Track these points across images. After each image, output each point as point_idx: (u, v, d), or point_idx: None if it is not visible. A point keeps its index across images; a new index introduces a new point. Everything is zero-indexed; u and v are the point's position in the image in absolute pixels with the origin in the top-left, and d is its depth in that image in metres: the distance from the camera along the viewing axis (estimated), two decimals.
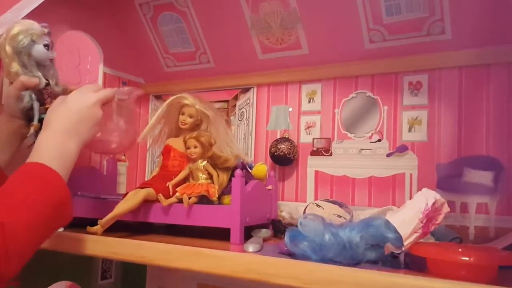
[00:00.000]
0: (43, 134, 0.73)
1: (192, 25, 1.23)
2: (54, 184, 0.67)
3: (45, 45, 0.87)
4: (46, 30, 0.88)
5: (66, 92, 0.91)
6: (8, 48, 0.84)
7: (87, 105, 0.78)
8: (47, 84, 0.89)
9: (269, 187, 1.04)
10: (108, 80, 1.31)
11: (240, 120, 1.27)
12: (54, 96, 0.89)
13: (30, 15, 1.00)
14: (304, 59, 1.14)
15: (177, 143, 1.05)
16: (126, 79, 1.36)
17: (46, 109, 0.85)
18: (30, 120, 0.86)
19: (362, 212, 0.96)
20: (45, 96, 0.88)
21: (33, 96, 0.86)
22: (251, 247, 0.75)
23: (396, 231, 0.63)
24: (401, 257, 0.70)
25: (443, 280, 0.54)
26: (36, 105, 0.86)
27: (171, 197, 0.93)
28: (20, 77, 0.84)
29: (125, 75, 1.36)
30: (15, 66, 0.84)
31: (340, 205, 0.97)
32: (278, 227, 0.98)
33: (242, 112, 1.27)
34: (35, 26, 0.86)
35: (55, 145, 0.71)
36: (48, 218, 0.65)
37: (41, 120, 0.84)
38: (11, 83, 0.86)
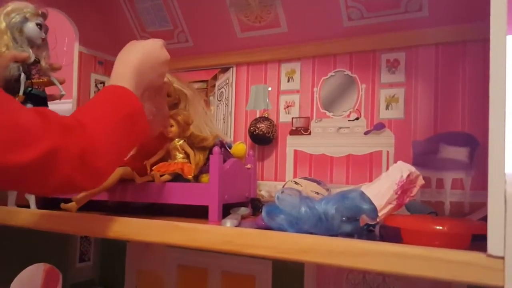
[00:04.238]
0: (118, 68, 0.75)
1: (170, 2, 1.21)
2: (125, 98, 0.70)
3: (37, 24, 0.92)
4: (40, 11, 0.93)
5: (53, 69, 0.97)
6: (1, 23, 0.88)
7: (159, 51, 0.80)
8: (37, 62, 0.93)
9: (248, 166, 1.04)
10: (84, 59, 1.28)
11: (219, 100, 1.26)
12: (43, 74, 0.94)
13: None
14: (283, 37, 1.14)
15: None
16: (103, 59, 1.34)
17: (32, 83, 0.91)
18: (12, 91, 0.88)
19: (339, 190, 0.96)
20: (33, 72, 0.93)
21: (21, 69, 0.89)
22: (228, 222, 0.75)
23: (371, 202, 0.64)
24: (377, 230, 0.71)
25: (417, 247, 0.54)
26: (23, 76, 0.89)
27: None
28: (12, 51, 0.88)
29: (102, 54, 1.33)
30: (6, 39, 0.88)
31: (318, 182, 0.97)
32: (257, 206, 0.98)
33: (221, 92, 1.26)
34: (29, 5, 0.91)
35: (128, 76, 0.73)
36: (123, 127, 0.68)
37: (25, 93, 0.89)
38: None
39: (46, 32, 0.95)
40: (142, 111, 0.72)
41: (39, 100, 0.93)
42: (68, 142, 0.58)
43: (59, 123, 0.59)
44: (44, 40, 0.94)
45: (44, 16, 0.94)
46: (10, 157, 0.53)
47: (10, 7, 0.90)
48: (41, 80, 0.94)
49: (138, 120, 0.71)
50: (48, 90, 0.98)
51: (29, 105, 0.90)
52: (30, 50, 0.91)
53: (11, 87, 0.88)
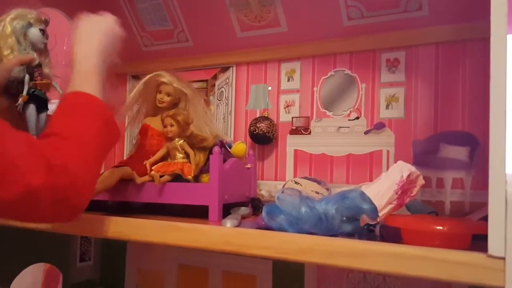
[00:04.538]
0: (82, 47, 0.76)
1: (169, 2, 1.20)
2: (100, 111, 0.71)
3: (40, 30, 0.94)
4: (43, 18, 0.95)
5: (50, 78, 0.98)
6: (5, 28, 0.90)
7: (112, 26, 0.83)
8: (40, 65, 0.95)
9: (248, 165, 1.04)
10: None
11: (219, 100, 1.26)
12: (44, 77, 0.96)
13: None
14: (283, 36, 1.13)
15: (154, 122, 1.04)
16: None
17: (35, 84, 0.93)
18: (15, 93, 0.90)
19: (339, 189, 0.96)
20: (36, 74, 0.94)
21: (26, 70, 0.91)
22: (228, 222, 0.75)
23: (371, 202, 0.64)
24: (377, 230, 0.71)
25: (417, 247, 0.54)
26: (27, 78, 0.91)
27: None
28: (16, 54, 0.90)
29: None
30: (11, 42, 0.90)
31: (318, 182, 0.97)
32: (257, 205, 0.98)
33: (222, 91, 1.25)
34: (33, 12, 0.94)
35: (91, 68, 0.74)
36: (102, 147, 0.70)
37: (28, 94, 0.91)
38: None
39: (47, 38, 0.97)
40: (114, 120, 0.74)
41: (41, 101, 0.95)
42: (51, 181, 0.59)
43: (45, 161, 0.60)
44: (45, 45, 0.97)
45: (46, 23, 0.96)
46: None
47: (14, 13, 0.92)
48: (44, 82, 0.95)
49: (112, 132, 0.73)
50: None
51: (32, 106, 0.92)
52: (34, 53, 0.93)
53: (14, 88, 0.90)
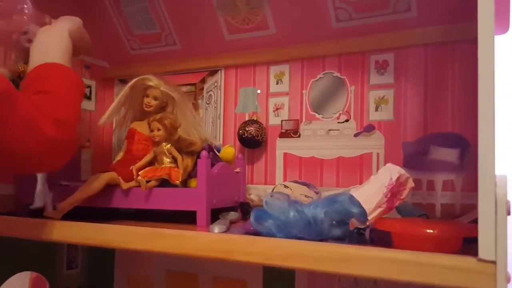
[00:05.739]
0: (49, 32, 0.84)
1: (156, 4, 1.19)
2: (74, 77, 0.80)
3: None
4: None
5: None
6: None
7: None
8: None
9: (237, 169, 1.03)
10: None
11: (208, 103, 1.24)
12: None
13: None
14: (271, 39, 1.12)
15: (141, 127, 1.03)
16: (90, 63, 1.32)
17: None
18: None
19: (329, 193, 0.95)
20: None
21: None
22: (216, 228, 0.74)
23: (360, 206, 0.63)
24: (367, 233, 0.70)
25: (407, 252, 0.53)
26: None
27: None
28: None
29: (89, 58, 1.31)
30: None
31: (308, 185, 0.96)
32: (247, 210, 0.97)
33: (210, 95, 1.24)
34: None
35: (60, 42, 0.82)
36: (80, 101, 0.80)
37: None
38: None
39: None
40: (82, 81, 0.83)
41: None
42: (62, 133, 0.70)
43: (52, 115, 0.69)
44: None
45: None
46: (28, 145, 0.66)
47: None
48: None
49: (83, 91, 0.83)
50: None
51: None
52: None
53: None
